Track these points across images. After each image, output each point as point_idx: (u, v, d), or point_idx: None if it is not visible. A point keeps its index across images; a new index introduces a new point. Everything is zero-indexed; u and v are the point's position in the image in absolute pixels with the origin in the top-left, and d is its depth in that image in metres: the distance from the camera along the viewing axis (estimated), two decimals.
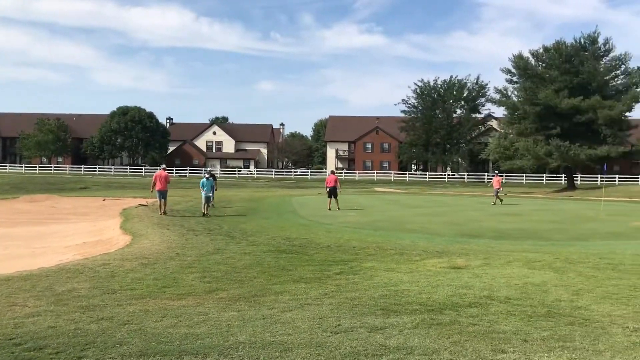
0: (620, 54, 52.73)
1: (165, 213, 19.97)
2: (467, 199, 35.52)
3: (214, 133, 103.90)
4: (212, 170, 26.49)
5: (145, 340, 5.09)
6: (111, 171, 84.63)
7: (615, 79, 53.81)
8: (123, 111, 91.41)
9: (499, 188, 30.05)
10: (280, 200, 30.59)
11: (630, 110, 52.31)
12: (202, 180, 21.03)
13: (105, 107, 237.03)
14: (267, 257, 10.60)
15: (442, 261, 10.26)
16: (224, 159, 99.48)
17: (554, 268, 9.55)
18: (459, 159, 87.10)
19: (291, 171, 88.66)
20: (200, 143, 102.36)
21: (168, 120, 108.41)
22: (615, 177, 75.01)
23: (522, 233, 15.98)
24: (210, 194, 21.34)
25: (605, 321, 6.02)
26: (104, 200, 34.47)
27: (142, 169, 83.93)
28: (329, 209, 23.04)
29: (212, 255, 10.64)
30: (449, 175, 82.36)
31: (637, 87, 51.55)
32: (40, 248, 13.93)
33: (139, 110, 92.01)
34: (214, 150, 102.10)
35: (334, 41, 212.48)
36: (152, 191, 21.05)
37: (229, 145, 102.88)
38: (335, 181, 23.95)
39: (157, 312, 6.18)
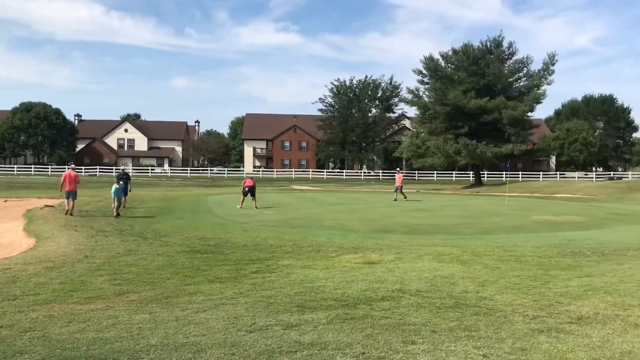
0: (523, 57, 55.89)
1: (71, 214, 19.04)
2: (382, 195, 36.38)
3: (126, 130, 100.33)
4: (126, 169, 25.51)
5: (49, 348, 4.84)
6: (13, 171, 79.67)
7: (518, 81, 56.95)
8: (26, 107, 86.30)
9: (401, 185, 30.56)
10: (195, 200, 30.01)
11: (531, 110, 55.53)
12: (113, 186, 19.91)
13: (6, 102, 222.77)
14: (181, 257, 10.38)
15: (357, 257, 10.46)
16: (136, 158, 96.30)
17: (462, 261, 9.98)
18: (375, 157, 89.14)
19: (207, 170, 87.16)
20: (111, 141, 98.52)
21: (76, 117, 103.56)
22: (518, 174, 79.46)
23: (432, 228, 16.58)
24: (122, 195, 20.64)
25: (507, 310, 6.37)
26: (5, 201, 32.37)
27: (48, 168, 79.62)
28: (241, 207, 23.11)
29: (123, 257, 10.28)
30: (365, 172, 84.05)
31: (537, 89, 54.75)
32: None
33: (44, 106, 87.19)
34: (125, 149, 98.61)
35: (250, 39, 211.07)
36: (61, 191, 20.22)
37: (141, 143, 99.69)
38: (254, 184, 24.57)
39: (62, 318, 5.89)
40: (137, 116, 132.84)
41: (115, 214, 19.04)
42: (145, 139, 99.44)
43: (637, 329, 5.62)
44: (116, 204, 19.58)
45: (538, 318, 6.00)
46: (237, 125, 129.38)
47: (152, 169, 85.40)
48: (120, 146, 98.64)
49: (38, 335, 5.24)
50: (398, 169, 36.36)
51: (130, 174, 26.99)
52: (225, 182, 60.41)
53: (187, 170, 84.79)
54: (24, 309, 6.27)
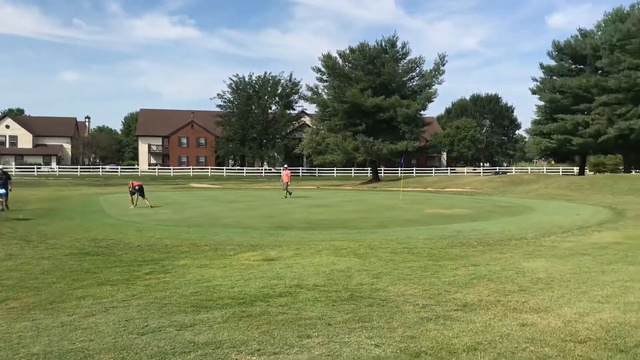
0: (416, 58, 58.16)
1: None
2: (282, 192, 36.51)
3: (7, 127, 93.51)
4: (5, 168, 22.95)
5: None
6: None
7: (412, 80, 59.22)
8: None
9: (288, 182, 30.99)
10: (86, 200, 28.55)
11: (424, 109, 57.94)
12: None
13: None
14: (69, 260, 9.82)
15: (255, 254, 10.42)
16: (20, 156, 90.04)
17: (358, 254, 10.23)
18: (275, 154, 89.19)
19: (99, 168, 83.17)
20: None
21: None
22: (413, 170, 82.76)
23: (331, 223, 16.86)
24: (3, 194, 19.24)
25: (399, 300, 6.61)
26: None
27: None
28: (134, 206, 22.69)
29: (3, 262, 9.56)
30: (265, 170, 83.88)
31: (429, 88, 57.22)
32: None
33: None
34: (7, 146, 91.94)
35: (144, 31, 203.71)
36: None
37: (25, 140, 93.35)
38: (141, 184, 24.55)
39: None
40: (21, 111, 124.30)
41: None
42: (30, 135, 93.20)
43: (516, 312, 6.03)
44: None
45: (427, 307, 6.28)
46: (131, 122, 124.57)
47: (38, 168, 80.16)
48: (1, 143, 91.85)
49: None
50: (285, 165, 36.77)
51: (10, 173, 25.27)
52: (118, 181, 57.93)
53: (77, 168, 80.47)
54: None
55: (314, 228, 15.54)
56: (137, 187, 23.76)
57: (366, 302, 6.53)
